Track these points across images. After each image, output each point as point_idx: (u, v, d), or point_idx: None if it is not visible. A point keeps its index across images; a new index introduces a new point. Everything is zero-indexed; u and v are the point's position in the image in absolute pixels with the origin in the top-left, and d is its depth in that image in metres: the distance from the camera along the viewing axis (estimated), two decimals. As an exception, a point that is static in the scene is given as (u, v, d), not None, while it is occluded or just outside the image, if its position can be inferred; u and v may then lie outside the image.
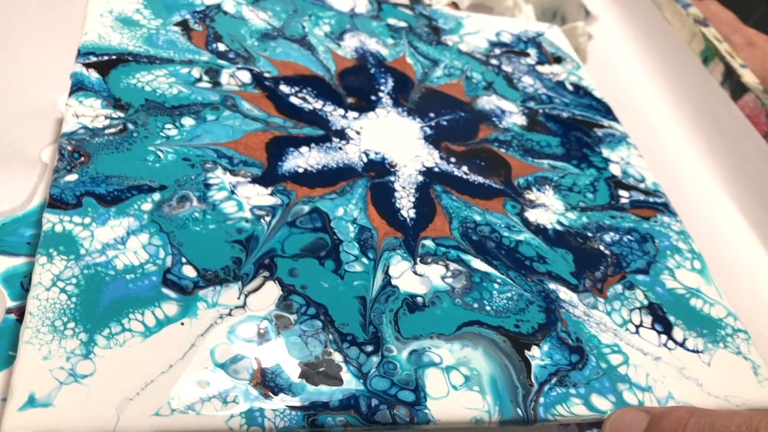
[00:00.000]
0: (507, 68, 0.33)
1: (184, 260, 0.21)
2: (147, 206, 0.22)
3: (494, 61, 0.33)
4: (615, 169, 0.29)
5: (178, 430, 0.18)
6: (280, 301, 0.21)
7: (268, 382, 0.19)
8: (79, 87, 0.25)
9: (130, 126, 0.24)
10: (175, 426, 0.18)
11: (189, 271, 0.20)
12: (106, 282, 0.19)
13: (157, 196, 0.22)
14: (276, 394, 0.19)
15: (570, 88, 0.33)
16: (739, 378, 0.23)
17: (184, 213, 0.22)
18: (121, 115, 0.24)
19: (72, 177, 0.22)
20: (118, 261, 0.20)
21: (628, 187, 0.29)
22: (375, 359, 0.20)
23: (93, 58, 0.26)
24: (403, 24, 0.34)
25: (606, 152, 0.30)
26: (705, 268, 0.27)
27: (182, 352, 0.19)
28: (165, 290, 0.20)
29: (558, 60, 0.35)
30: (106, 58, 0.26)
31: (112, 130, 0.24)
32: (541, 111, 0.31)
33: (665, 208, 0.28)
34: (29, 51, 0.36)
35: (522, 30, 0.36)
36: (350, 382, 0.19)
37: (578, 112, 0.32)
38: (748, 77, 0.43)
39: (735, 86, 0.43)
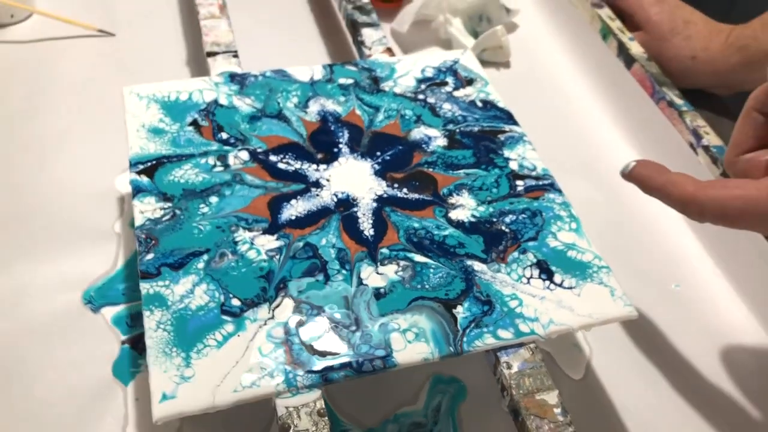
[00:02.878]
0: (431, 100, 0.45)
1: (231, 295, 0.34)
2: (200, 265, 0.35)
3: (421, 96, 0.45)
4: (513, 165, 0.41)
5: (248, 398, 0.31)
6: (293, 309, 0.33)
7: (295, 361, 0.32)
8: (138, 190, 0.38)
9: (177, 212, 0.37)
10: (247, 396, 0.31)
11: (235, 302, 0.33)
12: (187, 319, 0.32)
13: (205, 257, 0.35)
14: (301, 367, 0.31)
15: (479, 104, 0.45)
16: (600, 300, 0.35)
17: (224, 264, 0.35)
18: (170, 205, 0.37)
19: (150, 255, 0.35)
20: (191, 304, 0.33)
21: (523, 177, 0.41)
22: (358, 334, 0.33)
23: (140, 166, 0.39)
24: (350, 81, 0.46)
25: (507, 152, 0.42)
26: (579, 227, 0.39)
27: (242, 353, 0.32)
28: (224, 317, 0.33)
29: (470, 82, 0.46)
30: (149, 164, 0.39)
31: (167, 218, 0.36)
32: (457, 131, 0.43)
33: (551, 187, 0.40)
34: (86, 147, 0.49)
35: (441, 61, 0.48)
36: (346, 350, 0.32)
37: (486, 124, 0.44)
38: (635, 49, 0.54)
39: (626, 57, 0.54)
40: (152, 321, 0.32)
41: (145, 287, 0.33)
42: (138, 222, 0.36)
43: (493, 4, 0.61)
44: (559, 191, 0.40)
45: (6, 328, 0.39)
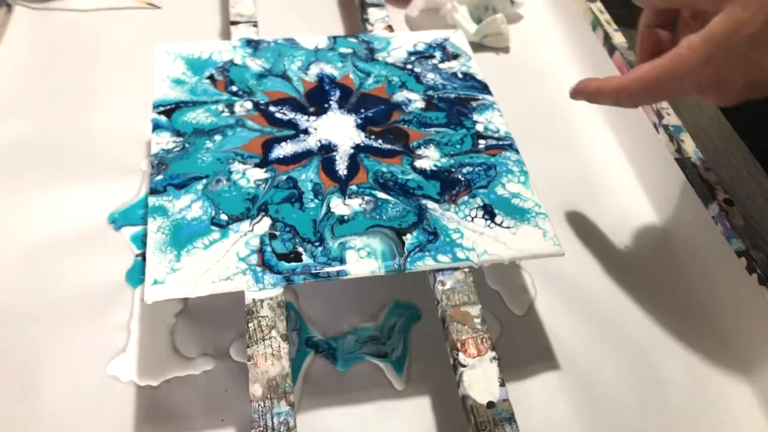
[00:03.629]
0: (417, 69, 0.51)
1: (221, 212, 0.41)
2: (200, 187, 0.42)
3: (409, 66, 0.52)
4: (479, 127, 0.48)
5: (223, 290, 0.38)
6: (270, 226, 0.40)
7: (265, 264, 0.39)
8: (156, 126, 0.45)
9: (186, 145, 0.44)
10: (221, 288, 0.38)
11: (223, 217, 0.41)
12: (183, 226, 0.40)
13: (204, 181, 0.42)
14: (269, 269, 0.38)
15: (460, 76, 0.51)
16: (533, 239, 0.41)
17: (219, 188, 0.42)
18: (181, 139, 0.45)
19: (159, 177, 0.42)
20: (188, 216, 0.40)
21: (486, 137, 0.47)
22: (320, 248, 0.40)
23: (161, 108, 0.46)
24: (349, 50, 0.53)
25: (476, 117, 0.48)
26: (527, 180, 0.44)
27: (223, 255, 0.39)
28: (212, 227, 0.40)
29: (455, 57, 0.53)
30: (169, 107, 0.47)
31: (178, 149, 0.44)
32: (436, 96, 0.49)
33: (510, 147, 0.46)
34: (124, 99, 0.57)
35: (433, 38, 0.54)
36: (307, 260, 0.39)
37: (462, 92, 0.50)
38: (617, 39, 0.59)
39: (609, 46, 0.60)
40: (154, 226, 0.40)
41: (152, 200, 0.41)
42: (153, 151, 0.44)
43: (502, -6, 0.67)
44: (516, 151, 0.46)
45: (39, 239, 0.47)
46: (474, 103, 0.49)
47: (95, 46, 0.63)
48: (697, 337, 0.46)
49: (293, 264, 0.39)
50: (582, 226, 0.52)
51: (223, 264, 0.38)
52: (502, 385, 0.36)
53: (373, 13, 0.58)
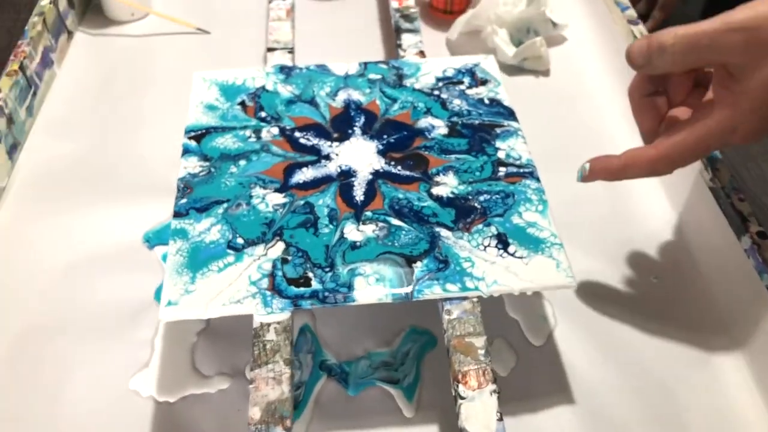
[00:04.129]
0: (444, 96, 0.52)
1: (237, 235, 0.42)
2: (220, 211, 0.44)
3: (436, 92, 0.52)
4: (501, 154, 0.47)
5: (233, 312, 0.39)
6: (283, 251, 0.41)
7: (275, 288, 0.40)
8: (186, 151, 0.47)
9: (212, 169, 0.46)
10: (231, 311, 0.39)
11: (240, 240, 0.42)
12: (200, 249, 0.41)
13: (225, 205, 0.44)
14: (279, 293, 0.39)
15: (487, 102, 0.51)
16: (546, 270, 0.41)
17: (238, 212, 0.43)
18: (207, 164, 0.46)
19: (184, 200, 0.44)
20: (206, 239, 0.42)
21: (507, 165, 0.47)
22: (330, 274, 0.40)
23: (192, 133, 0.48)
24: (378, 77, 0.53)
25: (498, 143, 0.48)
26: (545, 209, 0.44)
27: (235, 278, 0.40)
28: (228, 250, 0.41)
29: (484, 83, 0.53)
30: (200, 132, 0.48)
31: (204, 173, 0.46)
32: (460, 122, 0.50)
33: (530, 175, 0.46)
34: (168, 123, 0.59)
35: (463, 64, 0.54)
36: (316, 285, 0.40)
37: (487, 118, 0.50)
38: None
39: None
40: (174, 248, 0.41)
41: (174, 223, 0.43)
42: (180, 174, 0.46)
43: (539, 18, 0.66)
44: (537, 179, 0.46)
45: (78, 255, 0.50)
46: (498, 130, 0.49)
47: (147, 70, 0.66)
48: (724, 376, 0.44)
49: (302, 289, 0.40)
50: (609, 255, 0.50)
51: (234, 287, 0.40)
52: (500, 419, 0.35)
53: (406, 39, 0.58)
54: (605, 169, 0.42)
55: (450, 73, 0.54)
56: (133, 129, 0.60)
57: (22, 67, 0.58)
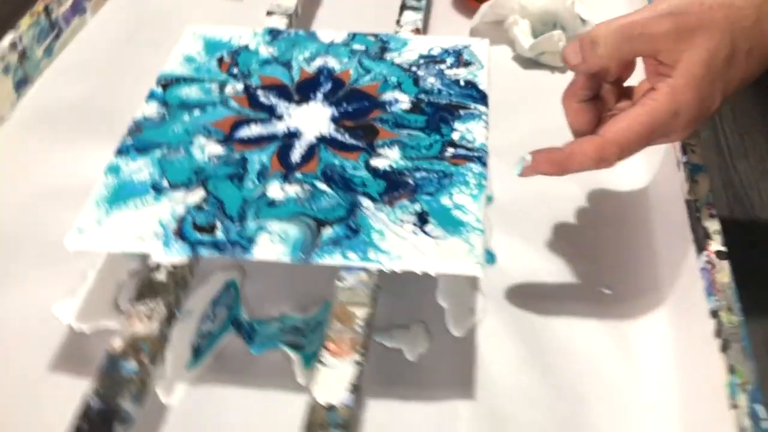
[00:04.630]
0: (421, 73, 0.50)
1: (164, 178, 0.43)
2: (158, 154, 0.44)
3: (414, 68, 0.50)
4: (455, 135, 0.45)
5: (133, 250, 0.39)
6: (202, 198, 0.41)
7: (180, 232, 0.40)
8: (150, 96, 0.48)
9: (166, 116, 0.47)
10: (132, 247, 0.39)
11: (165, 183, 0.42)
12: (126, 186, 0.42)
13: (165, 149, 0.44)
14: (182, 237, 0.39)
15: (462, 84, 0.49)
16: (455, 253, 0.38)
17: (174, 157, 0.44)
18: (164, 110, 0.47)
19: (129, 140, 0.45)
20: (135, 177, 0.43)
21: (457, 146, 0.44)
22: (237, 227, 0.40)
23: (163, 81, 0.49)
24: (361, 48, 0.52)
25: (457, 125, 0.46)
26: (479, 194, 0.41)
27: (147, 217, 0.40)
28: (150, 190, 0.42)
29: (467, 64, 0.51)
30: (170, 80, 0.49)
31: (156, 117, 0.47)
32: (426, 100, 0.48)
33: (477, 159, 0.44)
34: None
35: (453, 44, 0.52)
36: (220, 235, 0.39)
37: (456, 99, 0.48)
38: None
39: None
40: (102, 183, 0.42)
41: (113, 160, 0.44)
42: (136, 117, 0.47)
43: (567, 13, 0.63)
44: (483, 164, 0.43)
45: (52, 187, 0.52)
46: (462, 112, 0.47)
47: (173, 31, 0.67)
48: (648, 398, 0.40)
49: (205, 237, 0.39)
50: (565, 258, 0.47)
51: (143, 225, 0.40)
52: (353, 392, 0.34)
53: (406, 16, 0.57)
54: (548, 159, 0.40)
55: (436, 51, 0.52)
56: (147, 82, 0.62)
57: (47, 10, 0.61)
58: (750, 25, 0.36)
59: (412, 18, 0.57)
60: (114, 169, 0.43)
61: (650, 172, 0.52)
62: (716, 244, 0.41)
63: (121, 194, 0.42)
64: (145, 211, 0.41)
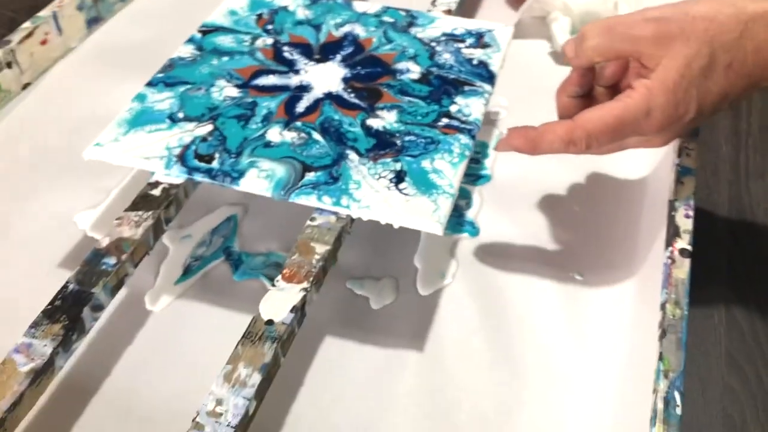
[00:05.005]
0: (438, 48, 0.53)
1: (181, 110, 0.47)
2: (182, 89, 0.49)
3: (433, 43, 0.53)
4: (453, 108, 0.48)
5: (139, 165, 0.44)
6: (208, 132, 0.46)
7: (182, 157, 0.44)
8: (189, 40, 0.53)
9: (198, 57, 0.51)
10: (138, 164, 0.44)
11: (180, 114, 0.47)
12: (147, 112, 0.47)
13: (188, 86, 0.49)
14: (182, 161, 0.44)
15: (475, 63, 0.51)
16: (421, 211, 0.41)
17: (195, 94, 0.48)
18: (198, 53, 0.52)
19: (161, 74, 0.50)
20: (157, 106, 0.47)
21: (451, 117, 0.47)
22: (232, 160, 0.44)
23: (204, 29, 0.54)
24: (391, 20, 0.55)
25: (458, 99, 0.48)
26: (459, 162, 0.44)
27: (157, 141, 0.45)
28: (166, 119, 0.47)
29: (485, 46, 0.53)
30: (210, 29, 0.54)
31: (189, 59, 0.51)
32: (435, 73, 0.50)
33: (467, 132, 0.46)
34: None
35: (477, 27, 0.55)
36: (215, 165, 0.44)
37: (464, 76, 0.50)
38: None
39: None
40: (129, 106, 0.47)
41: (143, 89, 0.49)
42: (172, 56, 0.52)
43: (607, 13, 0.64)
44: (472, 137, 0.46)
45: (100, 115, 0.57)
46: (467, 87, 0.49)
47: None
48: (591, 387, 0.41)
49: (203, 164, 0.44)
50: (548, 239, 0.49)
51: (152, 147, 0.45)
52: (294, 312, 0.37)
53: (442, -4, 0.60)
54: (522, 135, 0.42)
55: (459, 31, 0.54)
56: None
57: (127, -43, 0.67)
58: (731, 39, 0.37)
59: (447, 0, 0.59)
60: (141, 97, 0.48)
61: (649, 170, 0.53)
62: (682, 242, 0.42)
63: (141, 119, 0.47)
64: (157, 136, 0.45)
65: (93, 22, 0.65)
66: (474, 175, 0.54)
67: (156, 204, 0.42)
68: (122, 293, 0.45)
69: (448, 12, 0.58)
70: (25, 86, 0.59)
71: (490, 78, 0.50)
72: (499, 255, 0.48)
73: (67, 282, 0.38)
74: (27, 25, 0.59)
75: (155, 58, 0.61)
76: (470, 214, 0.51)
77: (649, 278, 0.45)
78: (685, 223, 0.43)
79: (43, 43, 0.60)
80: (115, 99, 0.58)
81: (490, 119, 0.59)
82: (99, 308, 0.38)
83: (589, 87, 0.43)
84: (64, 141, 0.56)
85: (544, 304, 0.45)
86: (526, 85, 0.59)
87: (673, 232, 0.42)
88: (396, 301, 0.45)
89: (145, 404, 0.40)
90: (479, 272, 0.47)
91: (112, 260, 0.39)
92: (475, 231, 0.50)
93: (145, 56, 0.63)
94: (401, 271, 0.47)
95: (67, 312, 0.37)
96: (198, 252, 0.48)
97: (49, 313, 0.37)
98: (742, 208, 0.53)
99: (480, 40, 0.53)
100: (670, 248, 0.42)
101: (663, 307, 0.39)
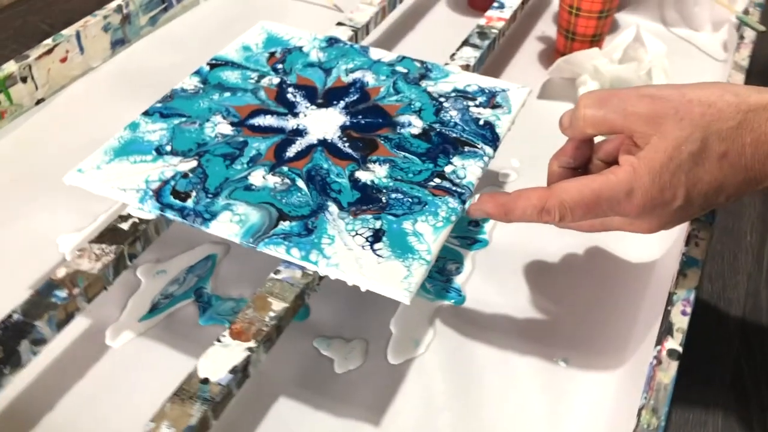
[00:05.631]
0: (446, 104, 0.50)
1: (170, 144, 0.46)
2: (176, 122, 0.48)
3: (442, 99, 0.51)
4: (448, 169, 0.45)
5: (115, 196, 0.43)
6: (191, 169, 0.44)
7: (158, 192, 0.43)
8: (195, 72, 0.52)
9: (200, 90, 0.50)
10: (113, 195, 0.43)
11: (168, 148, 0.46)
12: (135, 143, 0.46)
13: (183, 119, 0.48)
14: (157, 197, 0.42)
15: (481, 123, 0.49)
16: (390, 276, 0.38)
17: (187, 128, 0.47)
18: (202, 86, 0.51)
19: (158, 104, 0.49)
20: (147, 137, 0.46)
21: (444, 179, 0.44)
22: (208, 200, 0.42)
23: (213, 62, 0.53)
24: (404, 70, 0.54)
25: (455, 160, 0.46)
26: (443, 228, 0.41)
27: (137, 173, 0.44)
28: (153, 152, 0.45)
29: (495, 107, 0.50)
30: (220, 62, 0.53)
31: (191, 91, 0.50)
32: (438, 130, 0.48)
33: (458, 195, 0.43)
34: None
35: (492, 85, 0.52)
36: (189, 204, 0.42)
37: (467, 136, 0.48)
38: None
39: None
40: (120, 135, 0.47)
41: (138, 118, 0.48)
42: (176, 86, 0.51)
43: (639, 81, 0.61)
44: (462, 201, 0.43)
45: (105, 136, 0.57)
46: (467, 148, 0.47)
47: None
48: None
49: (177, 201, 0.42)
50: (533, 315, 0.45)
51: (131, 179, 0.44)
52: (233, 374, 0.35)
53: (463, 51, 0.58)
54: (493, 200, 0.40)
55: (472, 88, 0.52)
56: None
57: (160, -16, 0.67)
58: (728, 128, 0.34)
59: (467, 54, 0.57)
60: (134, 126, 0.47)
61: (658, 255, 0.49)
62: (673, 342, 0.38)
63: (128, 148, 0.46)
64: (139, 168, 0.44)
65: (118, 43, 0.66)
66: (471, 238, 0.51)
67: (122, 238, 0.41)
68: (85, 324, 0.44)
69: (466, 67, 0.55)
70: (39, 101, 0.59)
71: (493, 141, 0.48)
72: (480, 326, 0.45)
73: (12, 311, 0.37)
74: (48, 41, 0.59)
75: (175, 84, 0.61)
76: (459, 280, 0.48)
77: (637, 374, 0.41)
78: (681, 321, 0.39)
79: (63, 60, 0.60)
80: (125, 123, 0.58)
81: (498, 181, 0.56)
82: (40, 342, 0.37)
83: (584, 160, 0.41)
84: (64, 160, 0.55)
85: (521, 386, 0.42)
86: (542, 147, 0.56)
87: (665, 329, 0.39)
88: (362, 366, 0.43)
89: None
90: (456, 343, 0.44)
91: (63, 293, 0.38)
92: (460, 299, 0.47)
93: (166, 82, 0.63)
94: (374, 333, 0.44)
95: (4, 344, 0.35)
96: (169, 290, 0.46)
97: (-14, 342, 0.35)
98: (759, 307, 0.49)
99: (491, 99, 0.51)
100: (659, 347, 0.38)
101: (639, 413, 0.35)
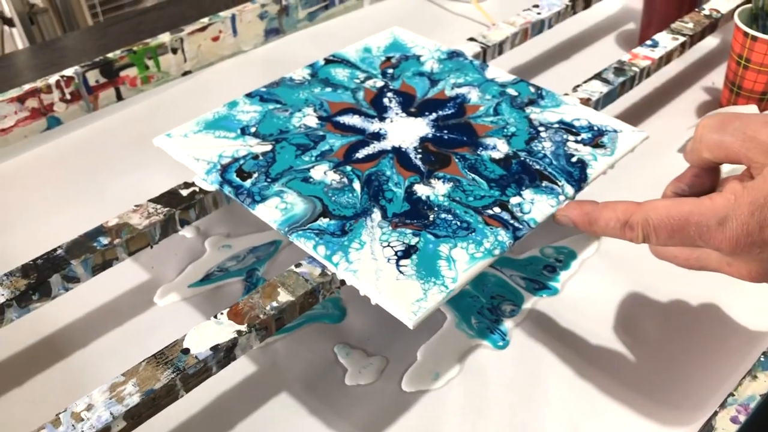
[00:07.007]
0: (543, 133, 0.47)
1: (256, 126, 0.48)
2: (271, 107, 0.49)
3: (541, 128, 0.47)
4: (514, 200, 0.42)
5: (189, 163, 0.45)
6: (263, 152, 0.45)
7: (223, 168, 0.44)
8: (309, 65, 0.54)
9: (306, 82, 0.52)
10: (189, 162, 0.45)
11: (252, 129, 0.47)
12: (226, 119, 0.48)
13: (278, 105, 0.49)
14: (222, 172, 0.44)
15: (573, 161, 0.45)
16: (404, 296, 0.36)
17: (279, 114, 0.49)
18: (309, 78, 0.52)
19: (263, 89, 0.51)
20: (239, 116, 0.48)
21: (505, 209, 0.41)
22: (265, 184, 0.43)
23: (330, 57, 0.54)
24: (514, 93, 0.51)
25: (526, 192, 0.42)
26: (481, 259, 0.38)
27: (215, 147, 0.46)
28: (238, 130, 0.47)
29: (597, 146, 0.46)
30: (337, 59, 0.54)
31: (298, 80, 0.52)
32: (521, 158, 0.45)
33: (513, 229, 0.40)
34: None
35: (604, 123, 0.48)
36: (247, 184, 0.43)
37: (550, 170, 0.44)
38: None
39: None
40: (215, 111, 0.49)
41: (239, 97, 0.50)
42: (286, 76, 0.53)
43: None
44: (515, 238, 0.40)
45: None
46: (545, 183, 0.43)
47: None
48: None
49: (237, 179, 0.44)
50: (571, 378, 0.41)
51: (207, 151, 0.46)
52: (214, 352, 0.35)
53: (590, 84, 0.53)
54: (579, 206, 0.38)
55: (580, 123, 0.48)
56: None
57: (325, -18, 0.70)
58: None
59: (593, 87, 0.52)
60: (232, 104, 0.50)
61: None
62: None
63: (218, 123, 0.48)
64: (220, 142, 0.46)
65: (272, 32, 0.69)
66: (540, 283, 0.47)
67: (177, 202, 0.43)
68: (144, 277, 0.47)
69: (586, 101, 0.51)
70: (185, 73, 0.64)
71: (579, 181, 0.43)
72: (512, 377, 0.41)
73: (58, 246, 0.40)
74: (204, 20, 0.64)
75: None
76: (508, 324, 0.44)
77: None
78: (728, 426, 0.33)
79: (215, 39, 0.65)
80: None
81: (596, 230, 0.51)
82: (73, 280, 0.39)
83: (702, 189, 0.37)
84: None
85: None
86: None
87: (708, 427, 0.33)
88: (373, 384, 0.41)
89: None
90: (479, 386, 0.41)
91: (105, 240, 0.40)
92: (503, 344, 0.43)
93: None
94: (398, 354, 0.42)
95: (39, 273, 0.38)
96: (227, 264, 0.48)
97: (26, 269, 0.39)
98: None
99: (596, 138, 0.46)
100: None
101: None
